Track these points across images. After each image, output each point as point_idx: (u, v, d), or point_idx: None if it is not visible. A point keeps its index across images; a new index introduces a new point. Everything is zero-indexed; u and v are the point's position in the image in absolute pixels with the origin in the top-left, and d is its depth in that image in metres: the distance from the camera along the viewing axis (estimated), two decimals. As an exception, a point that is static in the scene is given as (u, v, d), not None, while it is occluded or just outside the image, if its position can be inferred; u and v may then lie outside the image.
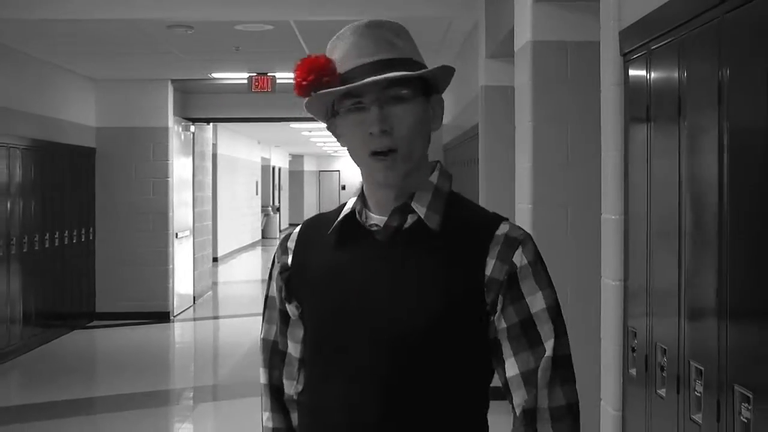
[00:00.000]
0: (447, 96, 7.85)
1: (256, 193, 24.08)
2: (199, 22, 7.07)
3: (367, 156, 1.49)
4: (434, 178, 1.55)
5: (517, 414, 1.45)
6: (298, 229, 1.66)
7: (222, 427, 6.53)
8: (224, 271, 17.07)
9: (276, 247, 1.67)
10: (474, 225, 1.51)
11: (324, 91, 1.48)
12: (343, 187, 32.73)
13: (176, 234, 11.07)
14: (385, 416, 1.46)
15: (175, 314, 10.95)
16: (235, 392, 7.34)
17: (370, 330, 1.48)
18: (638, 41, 2.72)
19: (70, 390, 7.27)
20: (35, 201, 8.74)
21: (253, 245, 23.23)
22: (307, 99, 1.51)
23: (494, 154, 6.13)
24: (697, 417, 2.30)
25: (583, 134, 4.25)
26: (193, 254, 12.10)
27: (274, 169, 27.32)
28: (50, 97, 9.42)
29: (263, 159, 25.02)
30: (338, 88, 1.47)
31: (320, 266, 1.55)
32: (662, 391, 2.56)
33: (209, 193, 13.41)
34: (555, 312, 1.47)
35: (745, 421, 1.96)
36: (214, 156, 14.07)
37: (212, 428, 6.58)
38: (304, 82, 1.49)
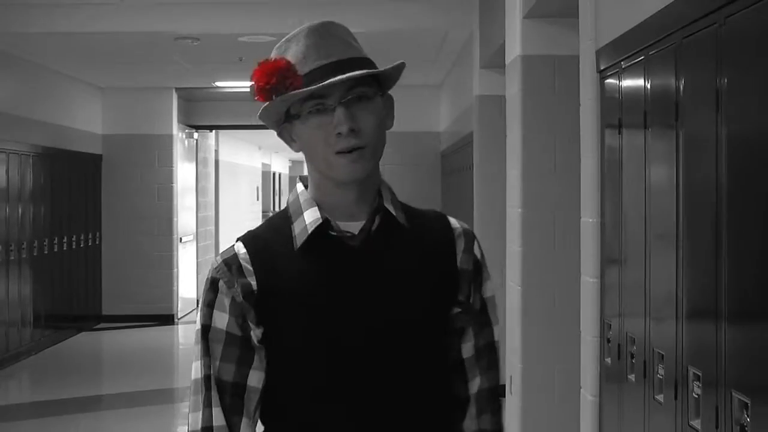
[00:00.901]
0: (444, 104, 8.28)
1: (257, 199, 24.33)
2: (205, 35, 7.36)
3: (332, 155, 1.46)
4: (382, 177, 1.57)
5: (472, 395, 1.57)
6: (241, 249, 1.53)
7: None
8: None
9: (217, 274, 1.52)
10: (429, 220, 1.57)
11: (290, 94, 1.45)
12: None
13: (180, 238, 11.33)
14: (392, 418, 1.48)
15: (179, 317, 11.21)
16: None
17: (366, 335, 1.47)
18: (611, 59, 3.00)
19: (79, 388, 7.53)
20: (44, 206, 8.99)
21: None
22: (265, 105, 1.48)
23: (488, 160, 6.40)
24: (660, 397, 2.57)
25: (569, 142, 4.52)
26: (197, 258, 12.37)
27: (274, 174, 27.58)
28: (58, 105, 9.69)
29: (264, 165, 25.27)
30: (306, 89, 1.44)
31: (295, 282, 1.49)
32: (632, 377, 2.84)
33: (212, 198, 13.68)
34: (492, 301, 1.61)
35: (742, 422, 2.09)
36: (216, 162, 14.31)
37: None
38: (267, 86, 1.45)
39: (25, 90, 8.81)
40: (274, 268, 1.50)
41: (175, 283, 11.11)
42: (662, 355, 2.57)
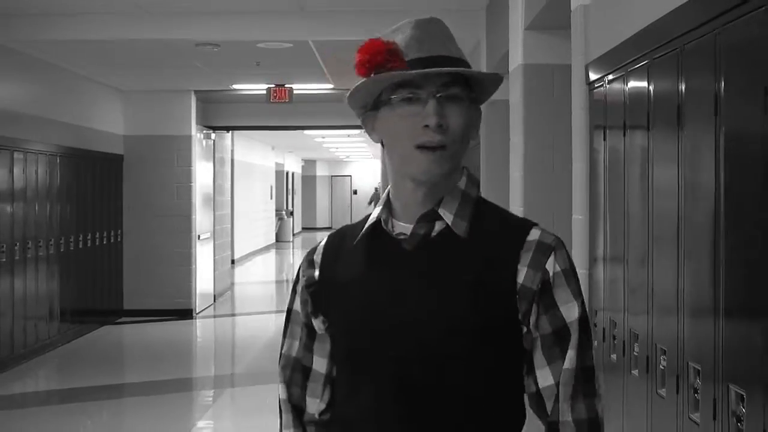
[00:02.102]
0: None
1: (271, 198, 24.68)
2: (225, 41, 7.73)
3: (412, 148, 1.43)
4: (462, 183, 1.50)
5: (551, 418, 1.44)
6: (324, 241, 1.60)
7: (239, 411, 7.13)
8: (241, 273, 17.69)
9: (302, 261, 1.62)
10: (503, 231, 1.47)
11: (387, 74, 1.43)
12: (355, 192, 33.26)
13: (199, 236, 11.71)
14: (416, 430, 1.43)
15: (197, 311, 11.59)
16: (252, 380, 7.98)
17: (401, 342, 1.43)
18: (599, 73, 3.35)
19: (102, 377, 7.92)
20: (69, 205, 9.37)
21: (267, 248, 23.86)
22: (358, 83, 1.46)
23: (494, 161, 6.72)
24: (662, 391, 2.70)
25: (567, 146, 4.85)
26: (214, 255, 12.74)
27: (287, 174, 27.93)
28: (82, 107, 10.07)
29: (277, 164, 25.62)
30: (405, 72, 1.42)
31: (348, 279, 1.50)
32: (636, 372, 2.98)
33: (228, 197, 14.05)
34: (585, 323, 1.44)
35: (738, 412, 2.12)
36: (232, 162, 14.69)
37: (231, 411, 7.19)
38: (372, 62, 1.44)
39: (52, 93, 9.19)
40: (336, 263, 1.54)
41: (194, 279, 11.48)
42: (664, 351, 2.62)
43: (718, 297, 2.19)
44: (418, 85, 1.43)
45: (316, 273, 1.56)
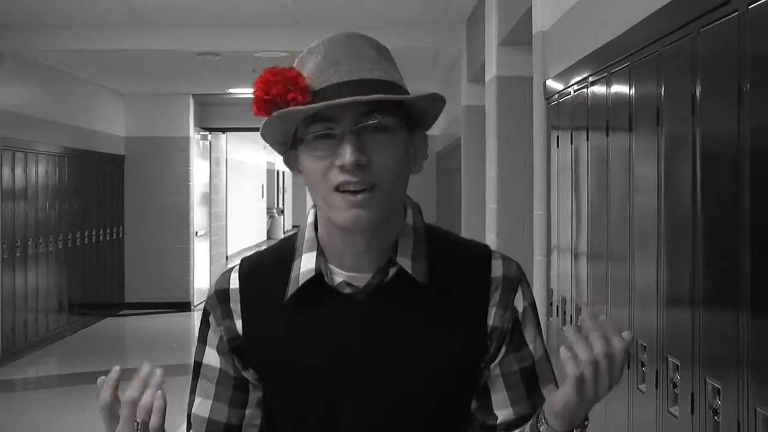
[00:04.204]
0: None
1: (262, 196, 25.16)
2: (225, 51, 8.29)
3: (332, 192, 1.20)
4: (409, 219, 1.31)
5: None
6: (235, 284, 1.33)
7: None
8: (234, 269, 18.20)
9: (208, 306, 1.35)
10: (464, 268, 1.31)
11: (287, 110, 1.18)
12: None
13: (196, 232, 12.26)
14: None
15: (195, 304, 12.10)
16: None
17: (364, 406, 1.26)
18: (553, 91, 3.94)
19: (105, 364, 8.42)
20: (74, 202, 9.90)
21: (258, 245, 24.31)
22: (265, 120, 1.21)
23: (473, 162, 7.28)
24: (642, 387, 2.74)
25: (536, 149, 5.44)
26: (210, 251, 13.30)
27: (278, 173, 28.40)
28: (86, 110, 10.59)
29: (268, 163, 26.08)
30: (305, 107, 1.18)
31: (284, 336, 1.29)
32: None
33: (223, 195, 14.61)
34: (548, 356, 1.34)
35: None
36: (225, 161, 15.26)
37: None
38: (266, 96, 1.20)
39: (57, 97, 9.69)
40: (261, 315, 1.31)
41: (192, 274, 12.03)
42: (645, 346, 2.67)
43: (695, 292, 2.24)
44: (333, 117, 1.19)
45: (238, 325, 1.32)
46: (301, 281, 1.27)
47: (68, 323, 9.78)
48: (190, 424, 1.36)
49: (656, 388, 2.48)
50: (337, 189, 1.20)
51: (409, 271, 1.26)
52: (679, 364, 2.32)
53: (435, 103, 1.26)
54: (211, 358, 1.35)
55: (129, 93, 11.73)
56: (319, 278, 1.27)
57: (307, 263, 1.28)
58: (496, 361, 1.30)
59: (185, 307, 11.87)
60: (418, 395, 1.26)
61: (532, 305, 1.33)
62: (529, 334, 1.32)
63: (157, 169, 11.81)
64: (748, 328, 1.87)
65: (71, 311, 9.83)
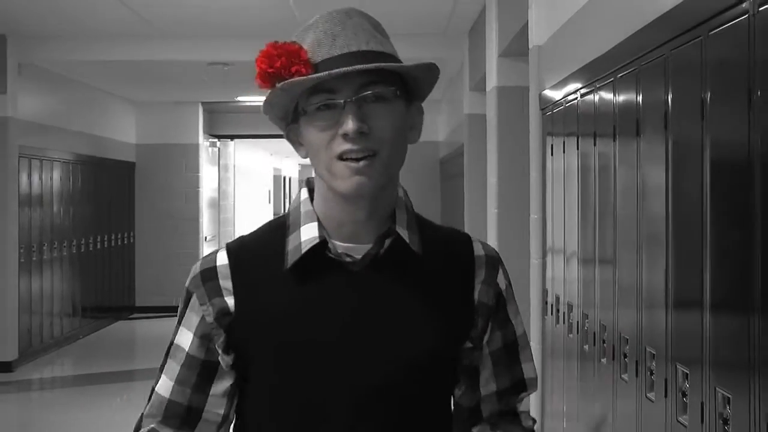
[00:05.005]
0: (442, 118, 9.57)
1: (269, 202, 25.40)
2: (235, 61, 8.55)
3: (334, 160, 1.25)
4: (400, 191, 1.36)
5: (484, 416, 1.41)
6: (222, 260, 1.33)
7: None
8: (241, 274, 18.47)
9: (191, 286, 1.33)
10: (450, 246, 1.37)
11: (291, 81, 1.23)
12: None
13: (205, 237, 12.51)
14: None
15: (204, 308, 12.35)
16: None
17: (359, 376, 1.28)
18: (548, 102, 4.18)
19: (116, 364, 8.83)
20: (87, 208, 10.14)
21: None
22: (268, 94, 1.26)
23: (475, 168, 7.49)
24: (626, 376, 2.97)
25: (534, 156, 5.66)
26: (218, 256, 13.51)
27: (284, 178, 28.61)
28: (98, 118, 10.83)
29: (275, 169, 26.32)
30: (309, 76, 1.22)
31: (282, 307, 1.29)
32: (604, 360, 3.25)
33: (231, 201, 14.85)
34: (526, 335, 1.44)
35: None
36: (233, 167, 15.51)
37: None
38: (270, 69, 1.23)
39: (71, 106, 9.94)
40: (258, 288, 1.30)
41: (201, 278, 12.23)
42: (627, 339, 2.85)
43: (668, 289, 2.44)
44: (333, 88, 1.24)
45: (230, 302, 1.30)
46: (304, 249, 1.29)
47: (81, 326, 10.04)
48: (150, 399, 1.38)
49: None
50: (340, 157, 1.25)
51: (407, 241, 1.30)
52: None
53: (430, 73, 1.31)
54: (184, 339, 1.34)
55: (140, 101, 11.98)
56: (319, 248, 1.29)
57: (307, 233, 1.30)
58: (485, 339, 1.37)
59: (195, 310, 12.06)
60: (409, 367, 1.29)
61: (509, 284, 1.41)
62: (511, 311, 1.40)
63: (167, 175, 12.05)
64: (759, 336, 1.88)
65: (84, 314, 10.09)
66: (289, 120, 1.32)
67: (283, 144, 21.68)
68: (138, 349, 10.36)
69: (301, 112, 1.28)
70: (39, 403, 7.71)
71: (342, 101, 1.24)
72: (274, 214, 26.46)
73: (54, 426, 6.61)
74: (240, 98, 11.67)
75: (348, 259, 1.29)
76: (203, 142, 12.40)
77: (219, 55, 8.22)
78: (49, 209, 9.06)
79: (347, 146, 1.24)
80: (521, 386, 1.43)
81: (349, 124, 1.22)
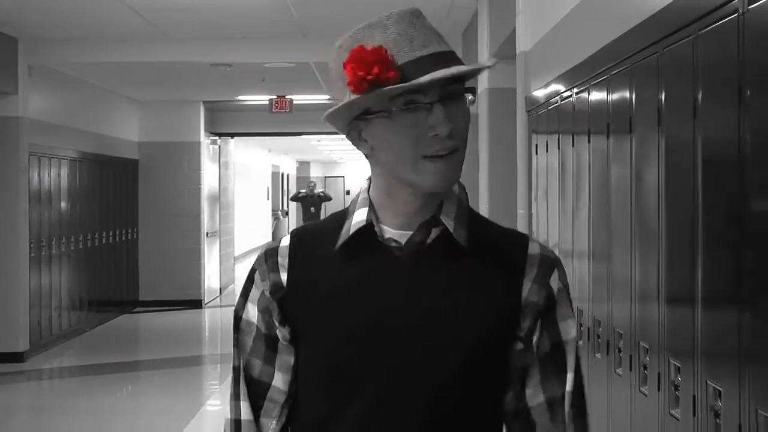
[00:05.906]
0: None
1: (267, 198, 25.60)
2: (236, 62, 8.85)
3: (420, 159, 1.28)
4: (456, 188, 1.37)
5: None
6: (285, 242, 1.41)
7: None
8: (241, 269, 18.75)
9: (255, 264, 1.43)
10: (502, 242, 1.37)
11: (391, 87, 1.24)
12: (347, 192, 34.17)
13: (207, 233, 12.80)
14: None
15: (205, 302, 12.66)
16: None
17: (394, 358, 1.30)
18: (532, 105, 4.49)
19: (121, 356, 9.21)
20: (92, 205, 10.43)
21: (263, 247, 24.73)
22: (356, 98, 1.26)
23: (469, 167, 7.80)
24: (620, 371, 3.01)
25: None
26: (220, 251, 13.83)
27: (282, 175, 28.79)
28: (102, 117, 11.10)
29: (273, 166, 26.48)
30: (413, 82, 1.24)
31: (328, 285, 1.35)
32: (599, 355, 3.25)
33: (231, 198, 15.14)
34: (577, 343, 1.39)
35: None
36: (233, 164, 15.79)
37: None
38: (369, 77, 1.24)
39: (76, 105, 10.22)
40: (309, 266, 1.37)
41: (202, 273, 12.55)
42: (620, 334, 2.85)
43: (661, 284, 2.45)
44: (418, 90, 1.27)
45: (283, 277, 1.38)
46: (352, 230, 1.34)
47: (88, 319, 10.35)
48: (233, 378, 1.44)
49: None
50: (425, 156, 1.28)
51: (451, 230, 1.32)
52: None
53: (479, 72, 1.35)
54: (251, 313, 1.41)
55: (143, 100, 12.24)
56: (368, 230, 1.34)
57: (358, 216, 1.35)
58: (534, 340, 1.34)
59: (197, 304, 12.37)
60: (448, 360, 1.30)
61: (566, 287, 1.38)
62: (561, 314, 1.36)
63: (169, 172, 12.30)
64: (749, 330, 1.88)
65: (90, 308, 10.39)
66: (351, 120, 1.34)
67: (283, 141, 22.00)
68: (142, 341, 10.70)
69: (375, 112, 1.29)
70: (49, 392, 8.12)
71: (429, 102, 1.27)
72: (273, 211, 26.71)
73: (63, 412, 6.96)
74: (240, 97, 11.96)
75: (394, 244, 1.33)
76: (204, 140, 12.67)
77: (221, 56, 8.53)
78: (57, 205, 9.36)
79: (438, 146, 1.27)
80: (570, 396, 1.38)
81: (443, 127, 1.26)
